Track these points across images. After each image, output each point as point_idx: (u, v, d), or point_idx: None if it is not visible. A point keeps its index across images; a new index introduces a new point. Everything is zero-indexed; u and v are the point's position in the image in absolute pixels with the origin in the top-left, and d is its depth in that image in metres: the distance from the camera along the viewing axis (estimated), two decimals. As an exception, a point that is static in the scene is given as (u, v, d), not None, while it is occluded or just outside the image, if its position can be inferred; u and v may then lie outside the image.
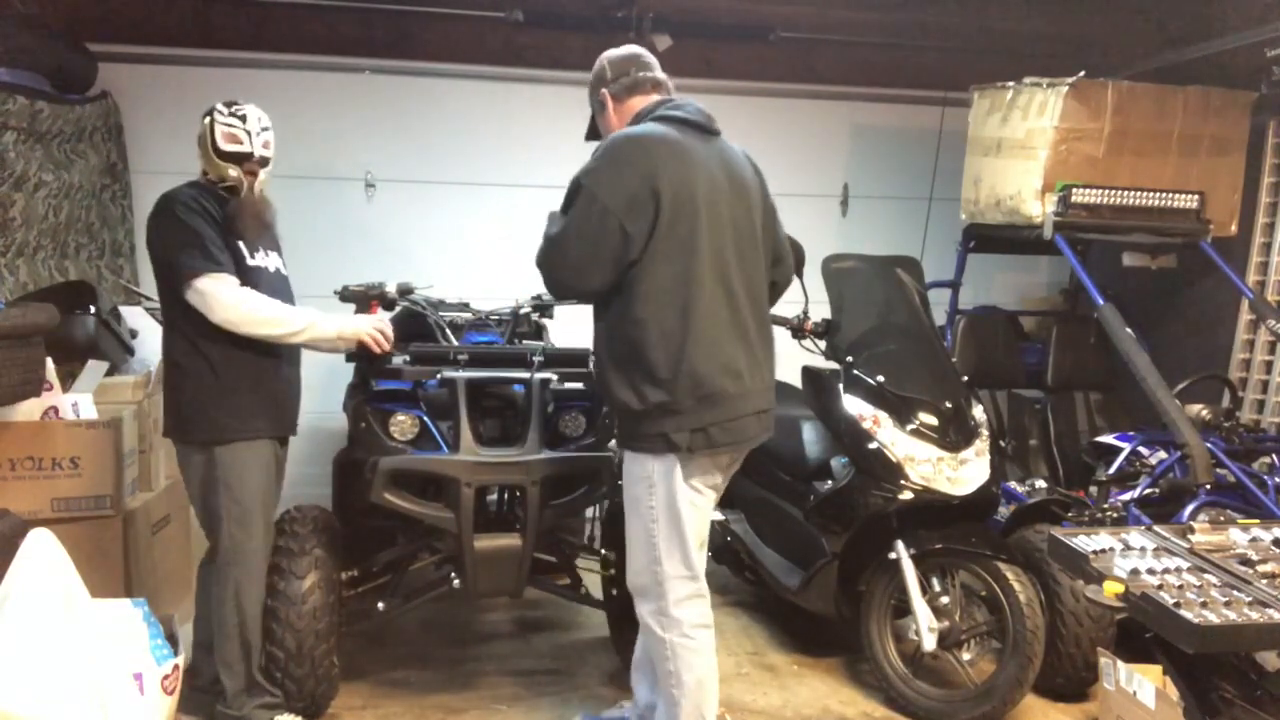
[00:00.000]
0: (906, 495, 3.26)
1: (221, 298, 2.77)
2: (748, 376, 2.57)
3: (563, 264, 2.56)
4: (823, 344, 3.62)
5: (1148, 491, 3.68)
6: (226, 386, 2.86)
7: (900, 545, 3.27)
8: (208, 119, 2.89)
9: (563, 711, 3.29)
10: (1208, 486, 3.47)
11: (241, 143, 2.88)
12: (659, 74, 2.75)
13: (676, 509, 2.56)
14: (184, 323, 2.85)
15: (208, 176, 2.93)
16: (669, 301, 2.48)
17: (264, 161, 2.93)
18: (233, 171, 2.89)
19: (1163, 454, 3.91)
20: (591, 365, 3.02)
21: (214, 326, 2.81)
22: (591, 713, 3.24)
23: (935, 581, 3.29)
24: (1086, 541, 2.55)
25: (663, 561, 2.58)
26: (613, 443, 3.34)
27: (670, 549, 2.58)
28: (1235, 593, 2.24)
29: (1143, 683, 2.62)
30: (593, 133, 2.88)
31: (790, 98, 5.46)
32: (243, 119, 2.89)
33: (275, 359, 2.96)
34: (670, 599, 2.59)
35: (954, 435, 3.38)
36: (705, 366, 2.48)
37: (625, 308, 2.51)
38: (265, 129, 2.93)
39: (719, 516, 4.04)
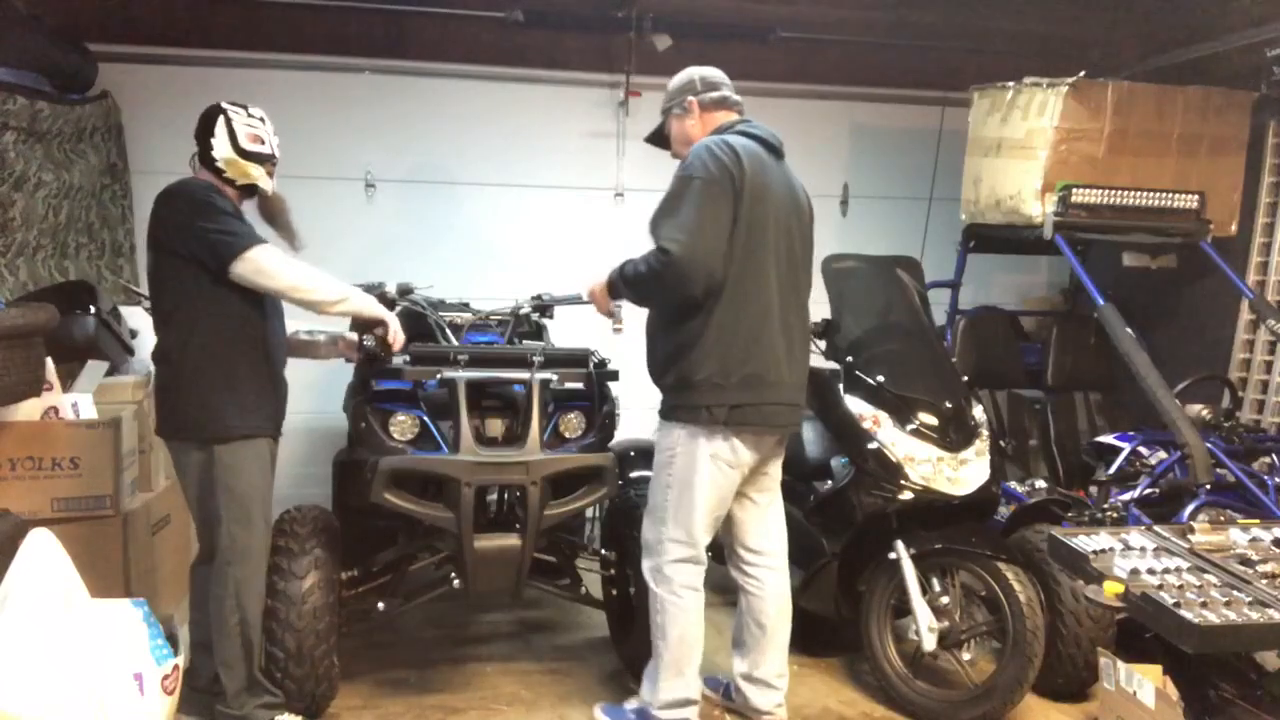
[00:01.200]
0: (906, 495, 3.26)
1: (275, 265, 2.79)
2: (786, 369, 2.91)
3: (704, 247, 2.74)
4: (823, 344, 3.62)
5: (1148, 491, 3.68)
6: (228, 383, 2.84)
7: (900, 545, 3.27)
8: (222, 118, 2.91)
9: (563, 711, 3.30)
10: (1208, 486, 3.47)
11: (264, 143, 2.96)
12: (737, 96, 3.10)
13: (691, 479, 2.88)
14: (188, 316, 2.82)
15: (223, 175, 2.92)
16: (731, 292, 2.80)
17: (276, 162, 3.02)
18: (255, 171, 2.93)
19: (1163, 454, 3.91)
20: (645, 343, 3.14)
21: (218, 320, 2.81)
22: (610, 703, 3.26)
23: (935, 581, 3.29)
24: (1086, 541, 2.55)
25: (668, 523, 2.93)
26: (613, 442, 3.35)
27: (677, 514, 2.92)
28: (1235, 593, 2.25)
29: (1143, 683, 2.61)
30: (656, 137, 3.21)
31: (790, 98, 5.46)
32: (262, 120, 2.98)
33: (272, 355, 2.96)
34: (666, 558, 2.94)
35: (954, 435, 3.38)
36: (751, 353, 2.83)
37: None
38: (274, 131, 3.03)
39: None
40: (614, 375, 3.35)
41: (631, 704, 3.16)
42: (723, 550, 3.20)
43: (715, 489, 2.91)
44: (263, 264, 2.78)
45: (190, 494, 2.96)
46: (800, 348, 3.01)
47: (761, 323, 2.86)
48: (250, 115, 2.96)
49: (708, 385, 2.82)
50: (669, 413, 2.94)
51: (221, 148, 2.91)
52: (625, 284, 2.93)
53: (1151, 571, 2.37)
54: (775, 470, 3.13)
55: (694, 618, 2.96)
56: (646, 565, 3.01)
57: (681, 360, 2.86)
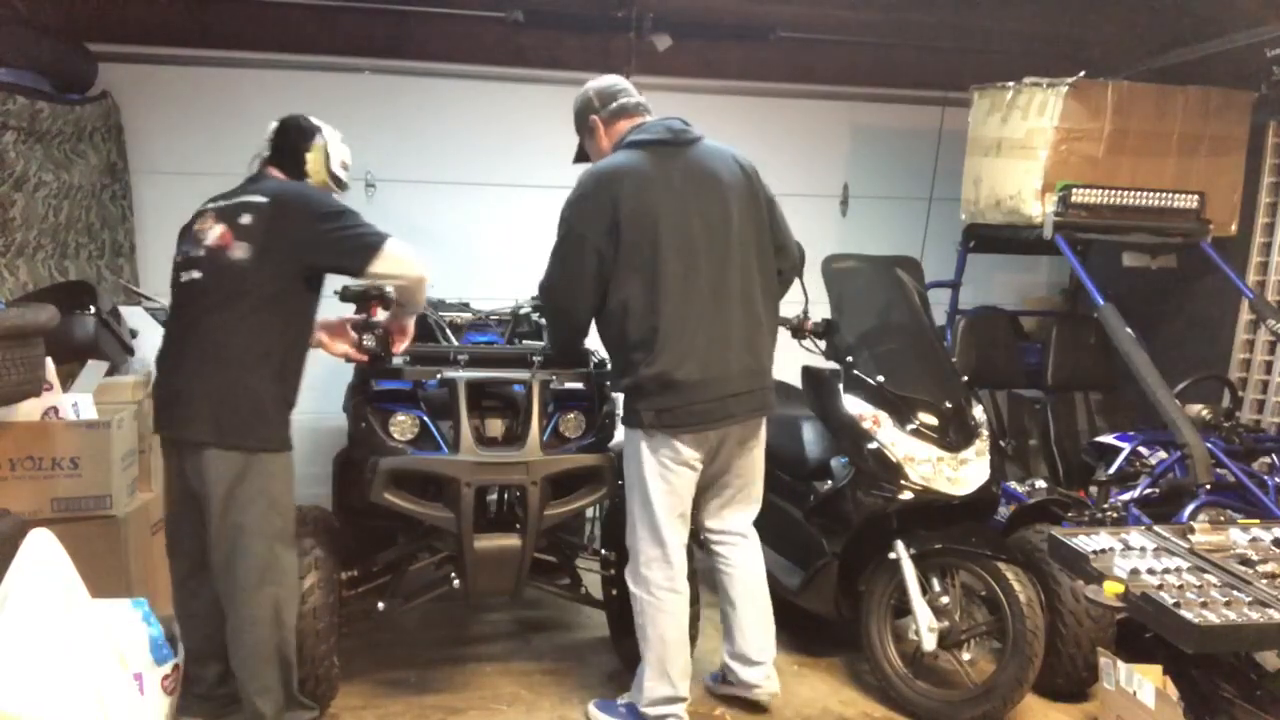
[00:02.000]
0: (906, 495, 3.26)
1: (411, 254, 2.82)
2: (717, 364, 2.92)
3: (562, 298, 3.04)
4: (823, 344, 3.62)
5: (1148, 491, 3.68)
6: (284, 391, 2.79)
7: (900, 545, 3.27)
8: (320, 137, 2.99)
9: (563, 711, 3.30)
10: (1208, 486, 3.47)
11: (346, 170, 3.10)
12: (639, 97, 3.14)
13: (644, 481, 2.98)
14: (271, 321, 2.74)
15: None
16: (637, 307, 2.89)
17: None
18: (336, 194, 3.02)
19: (1163, 454, 3.91)
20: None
21: (295, 328, 2.81)
22: (603, 699, 3.28)
23: (935, 581, 3.29)
24: (1086, 541, 2.55)
25: (636, 526, 3.04)
26: (613, 442, 3.35)
27: (640, 516, 3.02)
28: (1235, 593, 2.25)
29: (1143, 683, 2.61)
30: (581, 156, 3.28)
31: (790, 98, 5.46)
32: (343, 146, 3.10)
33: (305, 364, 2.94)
34: (640, 560, 3.02)
35: (954, 435, 3.38)
36: (666, 358, 2.87)
37: (609, 314, 2.96)
38: None
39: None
40: (614, 375, 3.35)
41: (624, 699, 3.19)
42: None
43: (668, 488, 2.97)
44: (401, 254, 2.78)
45: (214, 508, 2.71)
46: (746, 330, 2.99)
47: (681, 326, 2.88)
48: (340, 141, 3.05)
49: (636, 391, 2.94)
50: (624, 418, 3.06)
51: (316, 166, 2.97)
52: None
53: (1151, 571, 2.37)
54: (748, 456, 3.16)
55: (672, 619, 3.00)
56: (628, 569, 3.09)
57: (618, 369, 3.04)
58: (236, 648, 2.75)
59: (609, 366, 3.30)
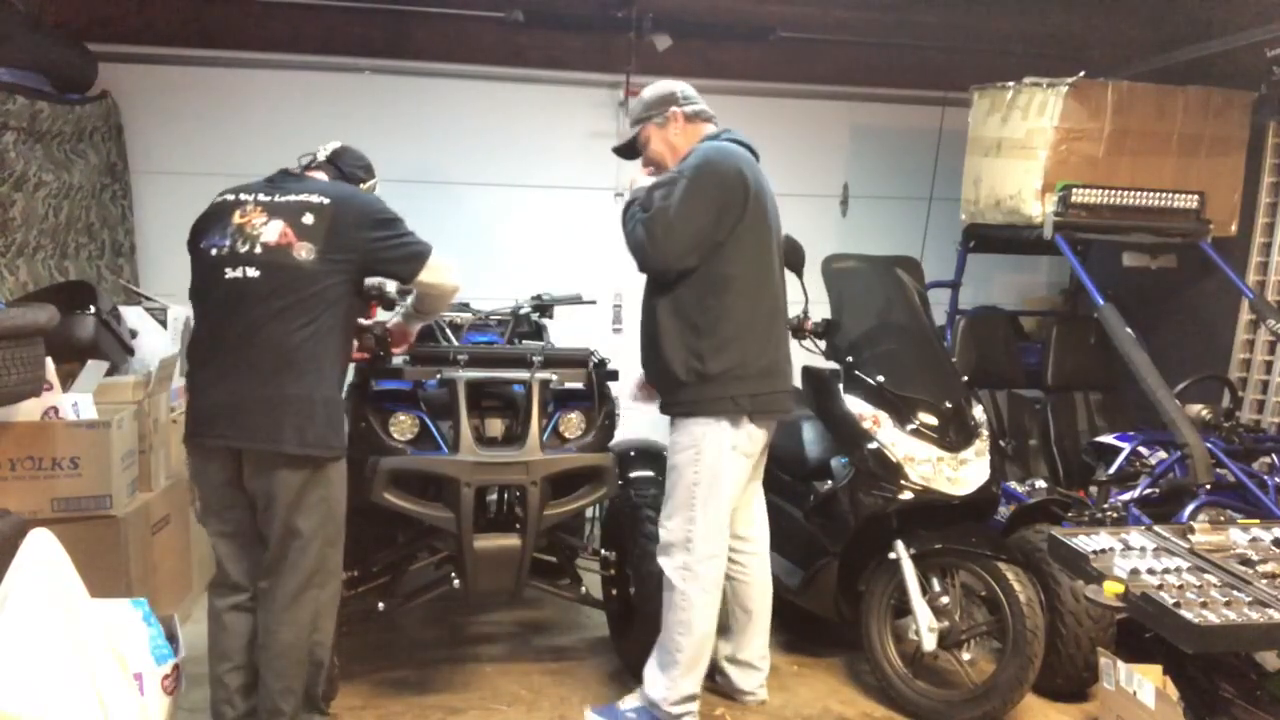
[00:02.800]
0: (906, 495, 3.26)
1: (452, 265, 2.86)
2: (784, 358, 3.09)
3: (667, 240, 2.88)
4: (823, 344, 3.62)
5: (1148, 491, 3.68)
6: (341, 397, 2.82)
7: (900, 545, 3.26)
8: (374, 180, 3.10)
9: (563, 711, 3.29)
10: (1208, 486, 3.47)
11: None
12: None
13: (719, 472, 2.96)
14: (332, 326, 2.68)
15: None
16: (744, 287, 2.95)
17: None
18: None
19: (1163, 454, 3.90)
20: (642, 341, 3.17)
21: (349, 334, 2.82)
22: (601, 705, 3.26)
23: (935, 581, 3.29)
24: (1086, 541, 2.55)
25: (697, 520, 2.97)
26: (613, 442, 3.35)
27: (706, 510, 2.96)
28: (1235, 593, 2.25)
29: (1143, 683, 2.61)
30: (628, 149, 3.26)
31: (790, 98, 5.46)
32: None
33: None
34: (695, 554, 2.97)
35: (954, 435, 3.38)
36: (766, 345, 2.99)
37: (708, 287, 2.93)
38: None
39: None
40: (614, 375, 3.35)
41: (630, 703, 3.16)
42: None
43: (736, 481, 3.01)
44: (444, 264, 2.82)
45: (278, 511, 2.64)
46: (787, 336, 3.21)
47: (772, 317, 3.05)
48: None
49: (728, 377, 2.92)
50: (688, 409, 2.98)
51: (368, 176, 3.07)
52: (624, 215, 3.05)
53: (1151, 571, 2.37)
54: (763, 459, 3.22)
55: (714, 614, 3.03)
56: (673, 563, 3.00)
57: (698, 356, 2.93)
58: (269, 643, 2.72)
59: (611, 365, 3.33)
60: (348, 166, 3.00)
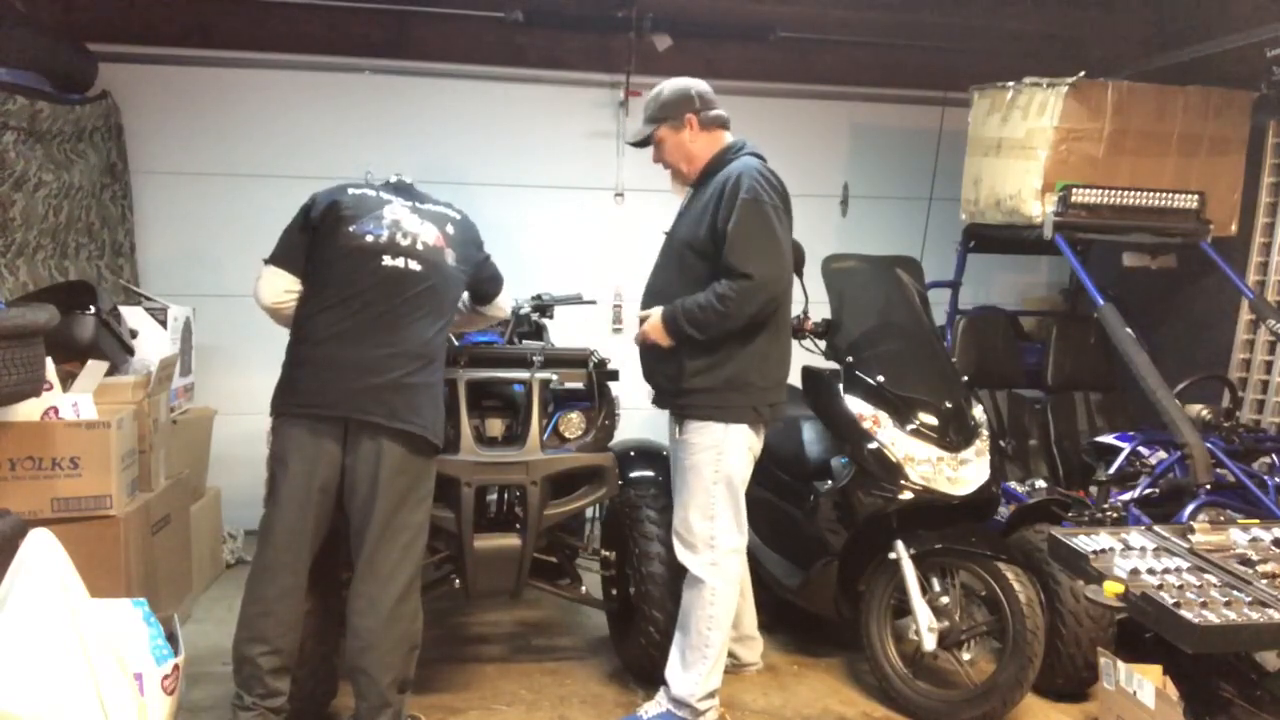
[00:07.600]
0: (906, 495, 3.26)
1: (511, 297, 3.34)
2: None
3: (779, 270, 2.94)
4: (823, 344, 3.63)
5: (1148, 491, 3.67)
6: None
7: (900, 545, 3.27)
8: None
9: (563, 711, 3.29)
10: (1208, 486, 3.47)
11: None
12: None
13: (737, 472, 3.02)
14: (446, 325, 2.90)
15: None
16: (786, 302, 3.06)
17: None
18: None
19: (1163, 454, 3.90)
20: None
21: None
22: (596, 704, 3.26)
23: (935, 581, 3.29)
24: (1086, 541, 2.55)
25: (718, 518, 3.02)
26: (613, 442, 3.35)
27: (726, 508, 3.02)
28: (1235, 593, 2.25)
29: (1143, 683, 2.61)
30: (645, 141, 3.17)
31: (790, 98, 5.46)
32: None
33: None
34: (721, 551, 3.02)
35: (954, 435, 3.38)
36: (786, 352, 3.12)
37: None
38: None
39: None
40: (614, 375, 3.35)
41: (653, 710, 3.12)
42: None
43: (746, 479, 3.09)
44: (508, 294, 3.26)
45: (384, 500, 2.70)
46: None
47: (788, 328, 3.15)
48: None
49: (756, 388, 3.00)
50: (711, 413, 3.00)
51: None
52: (691, 325, 2.94)
53: (1151, 571, 2.37)
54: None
55: (735, 606, 3.12)
56: (701, 560, 3.02)
57: (735, 364, 2.97)
58: (377, 643, 2.75)
59: (611, 365, 3.34)
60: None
